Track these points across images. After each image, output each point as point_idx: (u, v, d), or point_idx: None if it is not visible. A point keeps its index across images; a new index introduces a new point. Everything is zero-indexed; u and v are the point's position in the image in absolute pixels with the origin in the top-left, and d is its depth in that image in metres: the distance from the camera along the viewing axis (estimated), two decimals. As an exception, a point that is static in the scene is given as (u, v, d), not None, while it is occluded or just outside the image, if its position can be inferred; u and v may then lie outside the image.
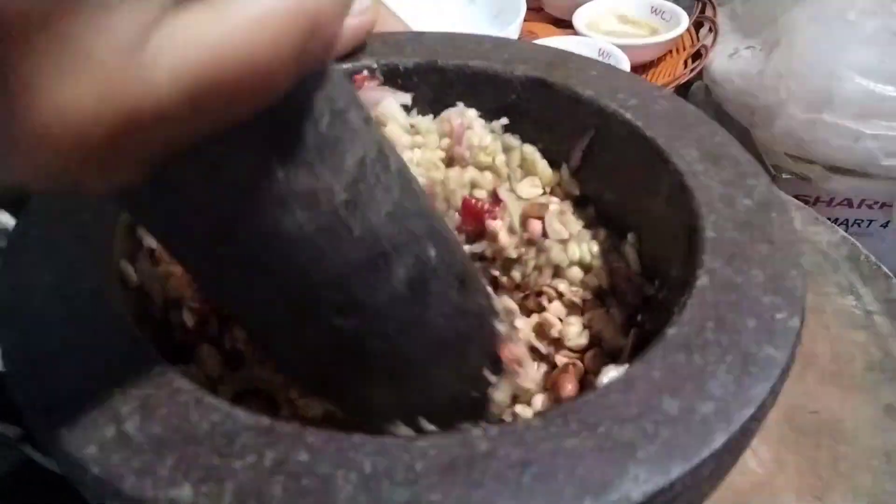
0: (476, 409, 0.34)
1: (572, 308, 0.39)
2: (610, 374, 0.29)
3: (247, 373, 0.36)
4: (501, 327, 0.35)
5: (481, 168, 0.42)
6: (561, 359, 0.37)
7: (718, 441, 0.24)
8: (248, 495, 0.23)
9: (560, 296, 0.39)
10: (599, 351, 0.38)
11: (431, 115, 0.44)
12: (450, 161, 0.43)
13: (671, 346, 0.28)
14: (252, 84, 0.19)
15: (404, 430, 0.30)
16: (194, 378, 0.33)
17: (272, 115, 0.22)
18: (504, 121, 0.42)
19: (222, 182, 0.23)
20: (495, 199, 0.41)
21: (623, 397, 0.26)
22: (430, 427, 0.30)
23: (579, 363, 0.37)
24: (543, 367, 0.38)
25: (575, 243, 0.40)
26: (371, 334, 0.29)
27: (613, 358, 0.36)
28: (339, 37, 0.21)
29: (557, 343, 0.38)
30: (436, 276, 0.30)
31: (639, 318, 0.37)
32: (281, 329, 0.30)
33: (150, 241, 0.36)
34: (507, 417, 0.35)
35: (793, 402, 0.41)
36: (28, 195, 0.35)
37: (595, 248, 0.40)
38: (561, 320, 0.39)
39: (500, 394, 0.35)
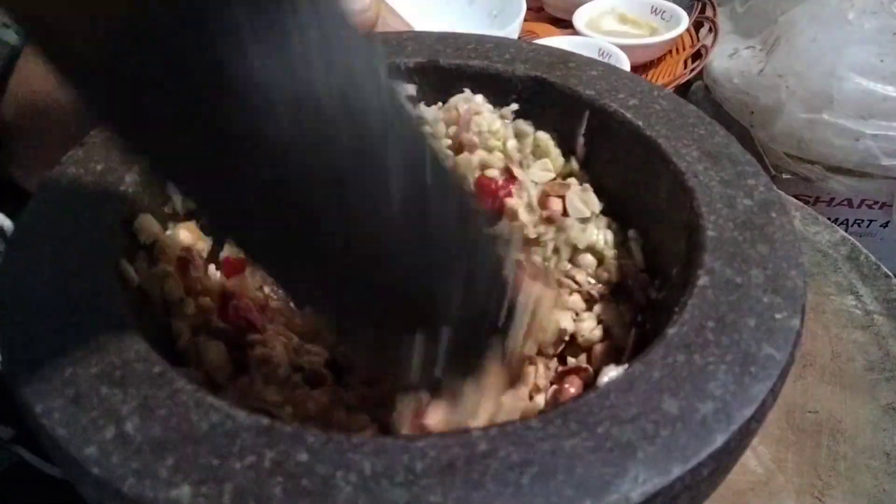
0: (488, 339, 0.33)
1: (588, 301, 0.39)
2: (610, 373, 0.29)
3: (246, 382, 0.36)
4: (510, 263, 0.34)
5: (491, 151, 0.42)
6: (571, 359, 0.37)
7: (718, 441, 0.24)
8: (247, 496, 0.23)
9: (578, 288, 0.39)
10: (608, 346, 0.38)
11: (439, 104, 0.44)
12: (459, 148, 0.42)
13: (671, 346, 0.28)
14: None
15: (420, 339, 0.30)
16: (193, 379, 0.33)
17: None
18: (514, 106, 0.42)
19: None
20: (510, 176, 0.41)
21: (623, 397, 0.26)
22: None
23: (588, 367, 0.37)
24: (553, 364, 0.37)
25: (594, 225, 0.40)
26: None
27: (618, 355, 0.36)
28: None
29: (571, 339, 0.38)
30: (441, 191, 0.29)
31: (639, 317, 0.37)
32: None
33: (147, 239, 0.36)
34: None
35: (793, 402, 0.41)
36: (28, 196, 0.35)
37: (610, 236, 0.40)
38: (577, 314, 0.38)
39: (511, 340, 0.34)
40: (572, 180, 0.41)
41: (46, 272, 0.31)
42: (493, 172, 0.41)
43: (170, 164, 0.26)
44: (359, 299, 0.29)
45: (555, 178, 0.42)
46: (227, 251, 0.41)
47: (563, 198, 0.40)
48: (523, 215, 0.39)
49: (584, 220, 0.39)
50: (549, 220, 0.40)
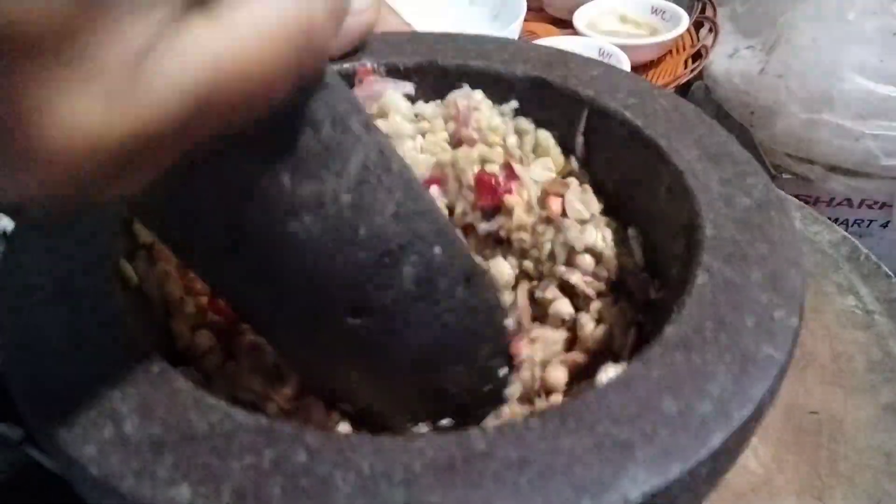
0: (490, 403, 0.34)
1: (586, 301, 0.39)
2: (608, 373, 0.28)
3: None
4: (510, 322, 0.35)
5: (491, 147, 0.42)
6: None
7: (717, 441, 0.24)
8: (246, 496, 0.23)
9: (572, 290, 0.39)
10: (607, 345, 0.38)
11: (437, 101, 0.43)
12: (457, 144, 0.42)
13: (670, 346, 0.27)
14: (252, 94, 0.19)
15: (424, 429, 0.31)
16: (192, 378, 0.33)
17: (274, 123, 0.22)
18: (514, 104, 0.42)
19: (229, 190, 0.24)
20: (510, 172, 0.40)
21: (621, 397, 0.26)
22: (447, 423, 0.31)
23: (576, 358, 0.37)
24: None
25: (593, 226, 0.40)
26: (384, 332, 0.30)
27: (617, 354, 0.36)
28: (333, 47, 0.21)
29: (571, 339, 0.38)
30: (442, 274, 0.31)
31: (638, 316, 0.37)
32: (293, 330, 0.30)
33: (147, 239, 0.36)
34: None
35: (793, 402, 0.41)
36: None
37: (609, 235, 0.40)
38: (574, 314, 0.39)
39: (512, 389, 0.35)
40: (572, 180, 0.41)
41: (46, 272, 0.31)
42: (494, 168, 0.41)
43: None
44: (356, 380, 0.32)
45: (555, 178, 0.42)
46: None
47: (562, 197, 0.39)
48: (520, 214, 0.39)
49: (582, 222, 0.39)
50: (547, 220, 0.40)
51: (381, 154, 0.28)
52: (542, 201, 0.40)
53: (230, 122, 0.20)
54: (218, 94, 0.18)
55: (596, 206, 0.40)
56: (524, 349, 0.36)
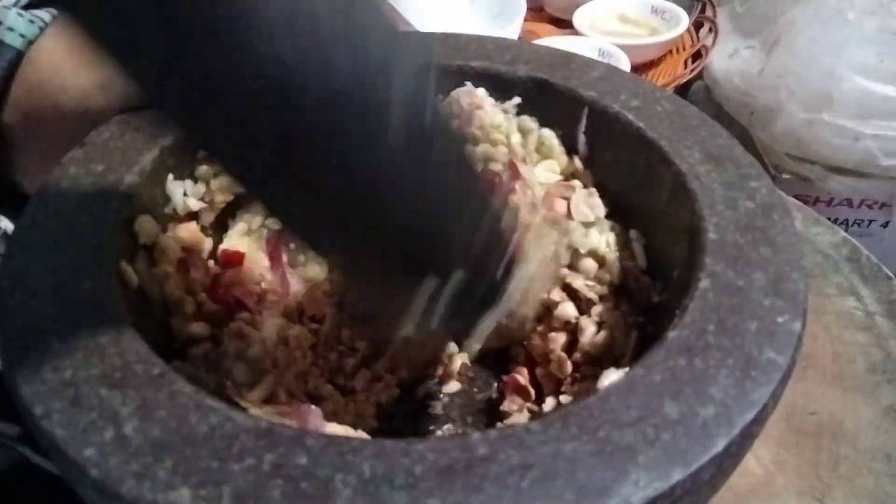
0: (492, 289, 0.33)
1: (588, 304, 0.39)
2: (610, 377, 0.28)
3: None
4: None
5: (495, 146, 0.42)
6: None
7: (719, 445, 0.24)
8: (246, 499, 0.23)
9: (574, 293, 0.39)
10: (609, 349, 0.38)
11: (440, 97, 0.43)
12: None
13: (672, 350, 0.27)
14: None
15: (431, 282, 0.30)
16: (184, 371, 0.33)
17: None
18: (517, 100, 0.42)
19: None
20: (514, 172, 0.40)
21: (623, 401, 0.26)
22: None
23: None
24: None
25: (597, 230, 0.39)
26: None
27: (619, 358, 0.36)
28: None
29: (573, 343, 0.38)
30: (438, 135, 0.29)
31: (640, 320, 0.37)
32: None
33: (147, 240, 0.36)
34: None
35: (793, 403, 0.41)
36: (26, 194, 0.35)
37: (612, 238, 0.40)
38: (577, 318, 0.39)
39: (513, 285, 0.34)
40: (577, 182, 0.41)
41: (46, 273, 0.31)
42: (497, 167, 0.41)
43: (162, 87, 0.25)
44: (362, 236, 0.29)
45: (560, 180, 0.42)
46: (226, 244, 0.41)
47: (567, 200, 0.39)
48: (525, 214, 0.39)
49: (587, 224, 0.39)
50: (552, 222, 0.39)
51: None
52: (547, 203, 0.40)
53: None
54: None
55: (601, 209, 0.40)
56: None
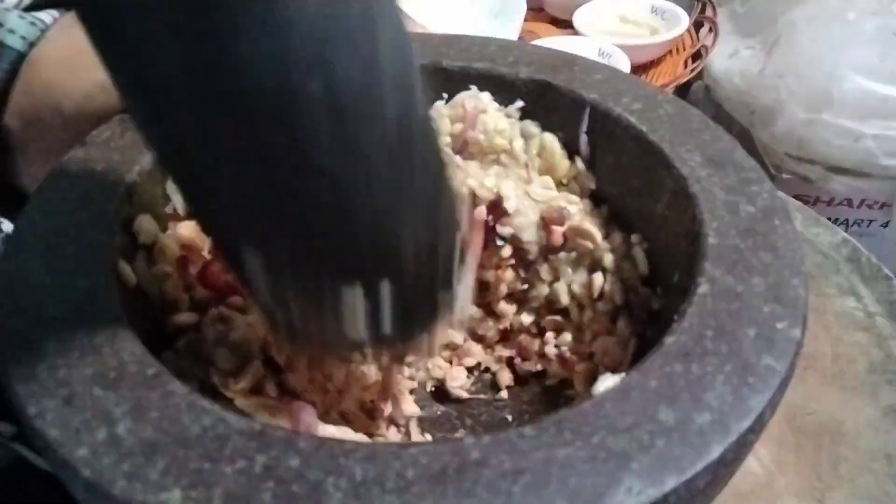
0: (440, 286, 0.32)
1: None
2: (606, 382, 0.28)
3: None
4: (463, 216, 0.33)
5: (498, 153, 0.42)
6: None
7: (715, 453, 0.24)
8: (237, 501, 0.23)
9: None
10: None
11: (444, 96, 0.43)
12: (463, 146, 0.42)
13: (669, 355, 0.27)
14: None
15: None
16: (173, 364, 0.33)
17: None
18: (520, 103, 0.42)
19: None
20: (496, 212, 0.40)
21: (618, 407, 0.26)
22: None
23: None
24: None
25: (597, 254, 0.40)
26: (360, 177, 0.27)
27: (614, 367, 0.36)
28: None
29: None
30: (422, 138, 0.28)
31: (640, 329, 0.37)
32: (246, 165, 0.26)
33: (147, 240, 0.36)
34: None
35: (794, 404, 0.41)
36: (27, 197, 0.35)
37: (611, 259, 0.39)
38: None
39: (462, 287, 0.33)
40: (574, 198, 0.41)
41: (44, 272, 0.31)
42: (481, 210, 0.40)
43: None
44: (300, 232, 0.27)
45: (560, 183, 0.42)
46: None
47: (562, 225, 0.39)
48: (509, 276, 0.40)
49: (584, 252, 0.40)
50: (550, 249, 0.40)
51: None
52: (545, 227, 0.40)
53: None
54: None
55: (598, 236, 0.40)
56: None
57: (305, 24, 0.22)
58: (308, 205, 0.26)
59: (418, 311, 0.31)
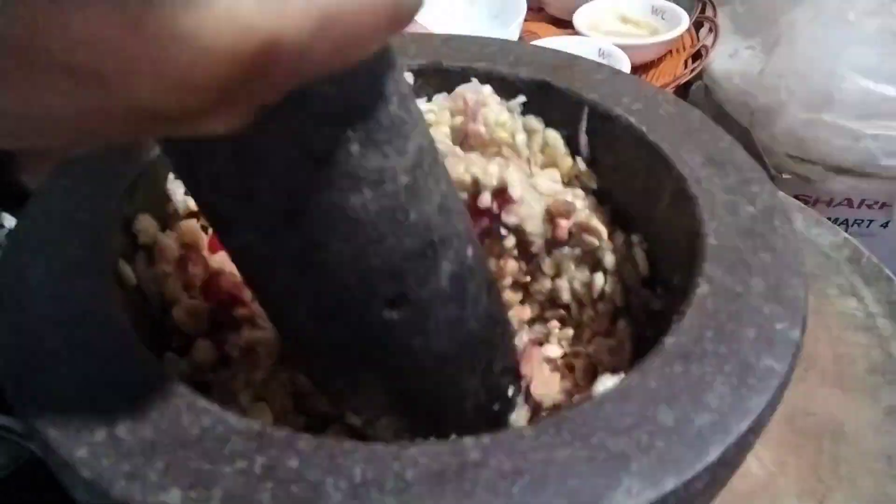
0: (495, 425, 0.34)
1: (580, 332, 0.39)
2: (605, 383, 0.28)
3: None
4: (519, 341, 0.35)
5: (499, 146, 0.42)
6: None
7: (714, 454, 0.24)
8: (237, 501, 0.23)
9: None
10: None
11: (445, 93, 0.43)
12: (464, 138, 0.42)
13: (669, 356, 0.27)
14: (361, 30, 0.19)
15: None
16: (184, 373, 0.33)
17: (350, 89, 0.23)
18: (522, 98, 0.42)
19: (299, 152, 0.24)
20: (501, 199, 0.40)
21: (618, 407, 0.25)
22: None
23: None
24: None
25: (599, 254, 0.40)
26: (414, 330, 0.29)
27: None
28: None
29: None
30: (472, 277, 0.30)
31: (640, 331, 0.37)
32: (322, 321, 0.29)
33: (147, 240, 0.36)
34: None
35: (794, 405, 0.41)
36: (27, 195, 0.35)
37: (612, 260, 0.39)
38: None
39: (517, 415, 0.35)
40: (579, 192, 0.41)
41: (43, 271, 0.31)
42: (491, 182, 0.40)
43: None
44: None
45: (563, 182, 0.42)
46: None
47: (568, 218, 0.39)
48: (511, 266, 0.40)
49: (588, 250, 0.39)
50: (557, 243, 0.40)
51: (431, 142, 0.28)
52: (551, 222, 0.40)
53: (341, 53, 0.19)
54: (340, 18, 0.18)
55: (604, 233, 0.40)
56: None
57: None
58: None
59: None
